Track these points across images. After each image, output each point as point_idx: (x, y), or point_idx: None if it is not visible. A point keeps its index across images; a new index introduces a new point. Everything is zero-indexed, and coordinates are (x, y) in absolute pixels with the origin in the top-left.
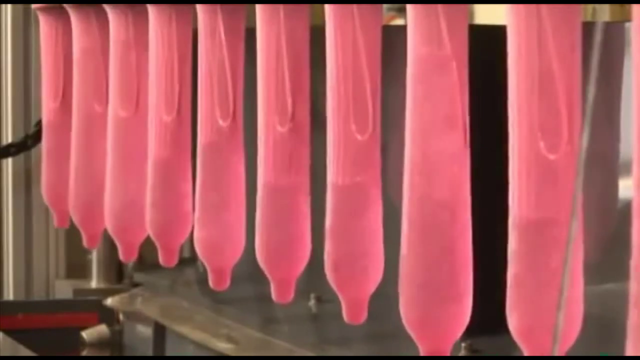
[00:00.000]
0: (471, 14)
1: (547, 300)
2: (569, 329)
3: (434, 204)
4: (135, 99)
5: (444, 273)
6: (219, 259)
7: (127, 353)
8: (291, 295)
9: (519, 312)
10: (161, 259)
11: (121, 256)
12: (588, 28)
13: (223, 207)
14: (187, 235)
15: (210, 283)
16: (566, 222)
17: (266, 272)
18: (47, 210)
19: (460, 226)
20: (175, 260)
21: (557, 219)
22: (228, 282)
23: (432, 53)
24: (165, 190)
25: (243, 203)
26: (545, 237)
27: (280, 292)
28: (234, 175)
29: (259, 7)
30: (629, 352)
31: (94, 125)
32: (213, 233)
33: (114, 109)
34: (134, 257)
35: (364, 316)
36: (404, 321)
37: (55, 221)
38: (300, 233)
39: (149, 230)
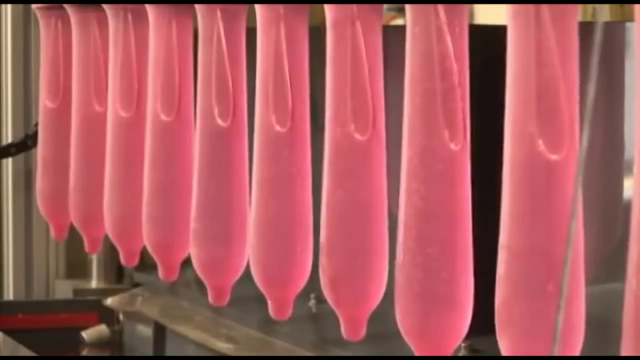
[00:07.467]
0: (471, 14)
1: (538, 325)
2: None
3: (431, 208)
4: (136, 99)
5: (443, 280)
6: (219, 278)
7: (127, 353)
8: (289, 313)
9: (509, 337)
10: (161, 274)
11: (122, 261)
12: (588, 28)
13: (224, 221)
14: (188, 250)
15: (210, 299)
16: (561, 245)
17: (262, 291)
18: None
19: (461, 230)
20: (175, 276)
21: (550, 243)
22: (228, 298)
23: (431, 53)
24: (164, 201)
25: (246, 217)
26: (537, 262)
27: (278, 310)
28: (236, 184)
29: (258, 7)
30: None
31: (95, 126)
32: (213, 251)
33: (114, 110)
34: (135, 262)
35: (363, 333)
36: (401, 329)
37: (52, 233)
38: (300, 248)
39: (147, 245)
